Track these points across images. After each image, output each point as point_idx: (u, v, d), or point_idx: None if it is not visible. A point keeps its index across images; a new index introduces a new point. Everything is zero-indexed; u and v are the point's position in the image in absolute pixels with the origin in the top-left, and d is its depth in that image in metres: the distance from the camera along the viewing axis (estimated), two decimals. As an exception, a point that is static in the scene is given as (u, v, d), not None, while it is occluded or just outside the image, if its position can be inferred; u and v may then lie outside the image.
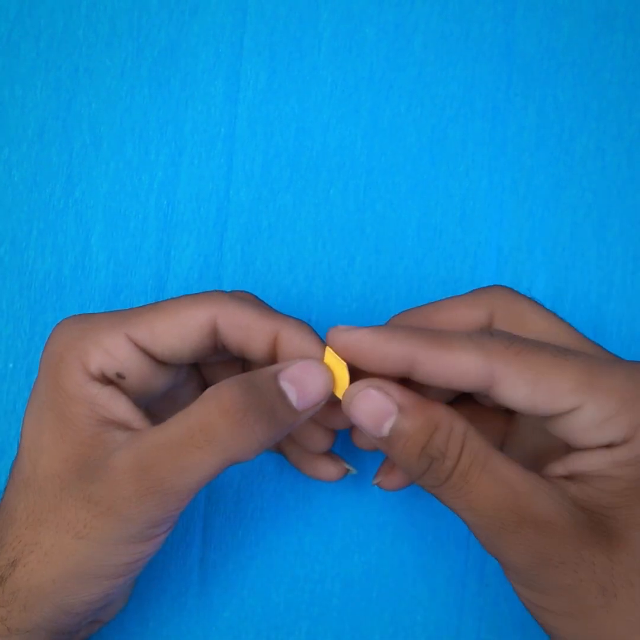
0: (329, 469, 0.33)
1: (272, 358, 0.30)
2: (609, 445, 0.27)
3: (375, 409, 0.27)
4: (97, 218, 0.37)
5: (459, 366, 0.27)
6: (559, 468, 0.28)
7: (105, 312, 0.30)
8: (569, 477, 0.28)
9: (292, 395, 0.28)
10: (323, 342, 0.29)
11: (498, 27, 0.38)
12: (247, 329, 0.29)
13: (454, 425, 0.27)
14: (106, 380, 0.29)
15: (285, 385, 0.28)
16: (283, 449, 0.34)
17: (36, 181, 0.37)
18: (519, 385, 0.27)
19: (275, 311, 0.30)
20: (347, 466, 0.33)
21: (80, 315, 0.30)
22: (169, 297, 0.34)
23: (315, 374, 0.28)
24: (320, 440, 0.32)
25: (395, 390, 0.27)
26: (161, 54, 0.38)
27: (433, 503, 0.37)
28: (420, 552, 0.37)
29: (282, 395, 0.27)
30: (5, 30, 0.38)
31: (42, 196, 0.37)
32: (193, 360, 0.30)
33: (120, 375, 0.29)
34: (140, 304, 0.36)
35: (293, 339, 0.29)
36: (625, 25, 0.38)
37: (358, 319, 0.37)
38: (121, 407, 0.28)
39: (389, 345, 0.27)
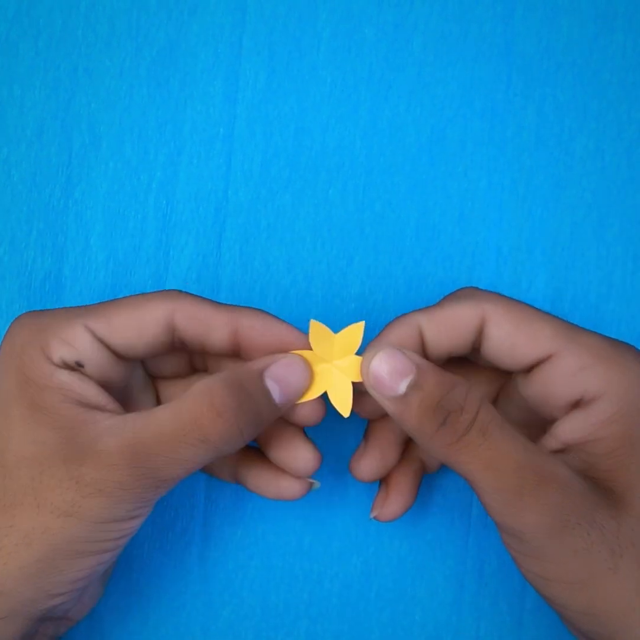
0: (293, 487, 0.33)
1: (235, 349, 0.31)
2: (582, 403, 0.28)
3: (394, 367, 0.28)
4: (97, 218, 0.37)
5: (456, 316, 0.29)
6: (551, 442, 0.29)
7: (63, 308, 0.31)
8: (563, 450, 0.29)
9: (276, 393, 0.29)
10: (284, 323, 0.30)
11: (497, 27, 0.38)
12: (205, 321, 0.30)
13: (471, 388, 0.28)
14: (69, 368, 0.29)
15: (270, 383, 0.29)
16: (239, 478, 0.34)
17: (35, 181, 0.37)
18: (503, 323, 0.29)
19: (232, 305, 0.31)
20: (311, 480, 0.33)
21: (37, 311, 0.31)
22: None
23: (298, 371, 0.29)
24: (304, 459, 0.32)
25: (413, 353, 0.29)
26: (160, 54, 0.38)
27: (432, 503, 0.37)
28: (419, 552, 0.37)
29: (266, 394, 0.29)
30: (3, 30, 0.38)
31: (41, 196, 0.37)
32: (149, 355, 0.31)
33: (79, 364, 0.29)
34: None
35: (255, 325, 0.30)
36: (625, 26, 0.38)
37: (356, 319, 0.37)
38: (91, 391, 0.29)
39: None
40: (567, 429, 0.29)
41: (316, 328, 0.30)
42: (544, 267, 0.37)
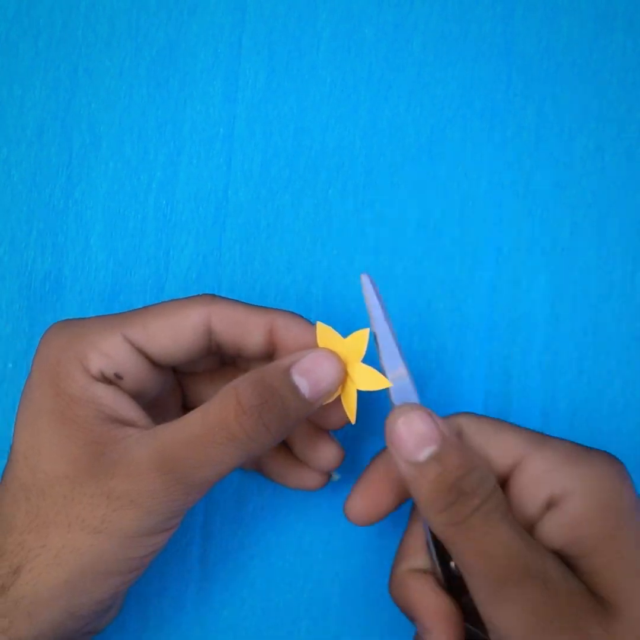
0: (315, 478, 0.33)
1: (269, 351, 0.30)
2: (552, 504, 0.28)
3: (421, 432, 0.28)
4: (97, 218, 0.37)
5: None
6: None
7: (96, 316, 0.30)
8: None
9: (304, 388, 0.28)
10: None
11: (497, 27, 0.38)
12: (241, 325, 0.30)
13: (489, 473, 0.28)
14: (107, 380, 0.29)
15: (297, 378, 0.28)
16: (262, 466, 0.34)
17: (35, 181, 0.37)
18: (476, 436, 0.29)
19: (266, 307, 0.31)
20: (331, 473, 0.33)
21: (69, 320, 0.30)
22: (167, 298, 0.34)
23: (326, 363, 0.29)
24: (328, 457, 0.32)
25: (443, 422, 0.28)
26: (160, 54, 0.38)
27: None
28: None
29: (294, 389, 0.28)
30: (3, 30, 0.38)
31: (41, 196, 0.37)
32: (186, 361, 0.31)
33: (118, 376, 0.29)
34: (139, 304, 0.37)
35: (290, 327, 0.30)
36: (625, 25, 0.38)
37: (356, 319, 0.37)
38: (125, 406, 0.29)
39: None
40: (543, 534, 0.28)
41: (324, 331, 0.30)
42: (544, 267, 0.37)
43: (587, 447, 0.29)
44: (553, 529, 0.28)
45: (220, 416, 0.27)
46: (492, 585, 0.27)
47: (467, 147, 0.38)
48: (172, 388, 0.33)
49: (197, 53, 0.38)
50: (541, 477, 0.28)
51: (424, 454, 0.27)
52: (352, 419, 0.30)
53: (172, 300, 0.30)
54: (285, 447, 0.34)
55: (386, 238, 0.37)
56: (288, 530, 0.37)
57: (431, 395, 0.37)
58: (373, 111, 0.38)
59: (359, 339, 0.29)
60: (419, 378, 0.37)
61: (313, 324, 0.30)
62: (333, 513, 0.37)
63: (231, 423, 0.27)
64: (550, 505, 0.28)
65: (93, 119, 0.38)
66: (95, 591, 0.27)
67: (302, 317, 0.30)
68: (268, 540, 0.37)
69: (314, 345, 0.30)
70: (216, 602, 0.37)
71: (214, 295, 0.30)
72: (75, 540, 0.27)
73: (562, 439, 0.29)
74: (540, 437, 0.29)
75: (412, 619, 0.31)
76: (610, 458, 0.28)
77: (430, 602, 0.30)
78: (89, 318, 0.30)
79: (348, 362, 0.30)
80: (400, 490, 0.31)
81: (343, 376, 0.29)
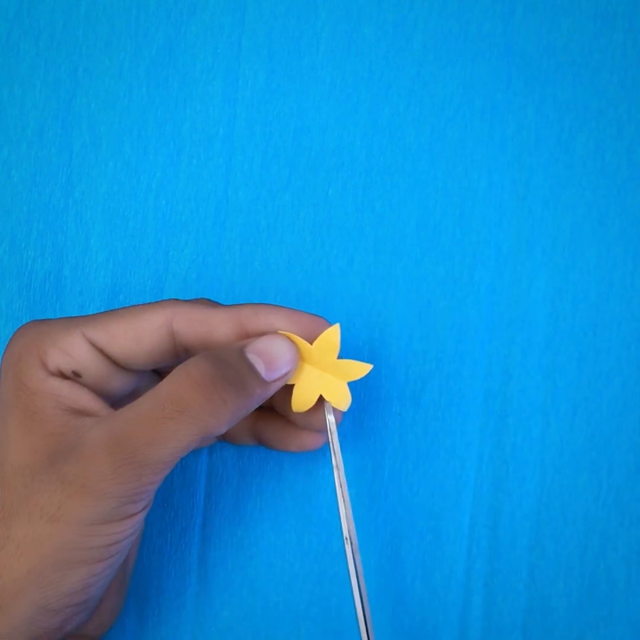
0: (316, 439, 0.34)
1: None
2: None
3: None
4: (97, 218, 0.37)
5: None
6: None
7: (64, 317, 0.31)
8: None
9: (260, 367, 0.29)
10: (286, 308, 0.31)
11: (497, 26, 0.38)
12: (205, 323, 0.30)
13: None
14: (64, 376, 0.29)
15: (252, 357, 0.29)
16: (260, 434, 0.34)
17: (36, 181, 0.37)
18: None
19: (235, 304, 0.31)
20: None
21: (38, 320, 0.31)
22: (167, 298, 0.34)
23: (280, 345, 0.30)
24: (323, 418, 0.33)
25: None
26: (160, 54, 0.38)
27: (433, 503, 0.37)
28: (419, 552, 0.37)
29: (250, 367, 0.29)
30: (4, 30, 0.38)
31: (41, 196, 0.37)
32: (151, 365, 0.31)
33: (76, 373, 0.29)
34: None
35: (259, 314, 0.30)
36: (625, 25, 0.38)
37: (356, 319, 0.37)
38: (84, 397, 0.29)
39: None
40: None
41: (290, 338, 0.30)
42: (544, 267, 0.37)
43: None
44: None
45: (170, 390, 0.27)
46: None
47: (467, 147, 0.38)
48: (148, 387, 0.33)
49: (197, 53, 0.38)
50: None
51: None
52: (344, 407, 0.31)
53: (136, 305, 0.31)
54: (279, 416, 0.34)
55: (385, 238, 0.37)
56: (288, 530, 0.37)
57: (431, 395, 0.37)
58: (373, 111, 0.38)
59: (331, 336, 0.30)
60: (419, 378, 0.37)
61: (283, 307, 0.31)
62: (333, 513, 0.37)
63: (183, 396, 0.27)
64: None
65: (93, 119, 0.38)
66: (62, 582, 0.27)
67: (271, 305, 0.31)
68: (268, 540, 0.37)
69: (287, 326, 0.30)
70: (216, 602, 0.37)
71: (176, 300, 0.31)
72: (35, 529, 0.27)
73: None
74: None
75: None
76: None
77: None
78: (56, 319, 0.31)
79: (325, 361, 0.31)
80: None
81: (297, 358, 0.30)
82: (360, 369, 0.31)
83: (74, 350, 0.29)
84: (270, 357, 0.29)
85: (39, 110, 0.38)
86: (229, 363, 0.28)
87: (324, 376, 0.31)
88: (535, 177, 0.38)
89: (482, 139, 0.38)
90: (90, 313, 0.37)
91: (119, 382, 0.31)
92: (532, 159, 0.38)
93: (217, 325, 0.30)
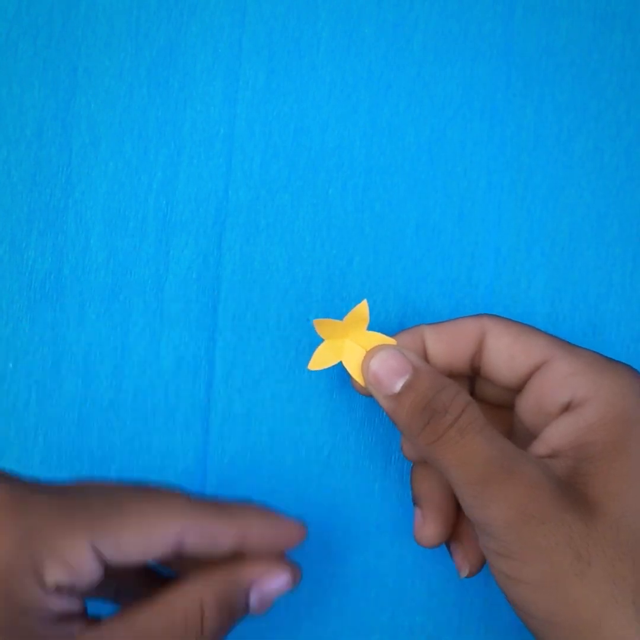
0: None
1: (234, 553, 0.30)
2: (571, 408, 0.29)
3: (392, 367, 0.30)
4: (97, 218, 0.37)
5: (457, 327, 0.31)
6: (541, 447, 0.30)
7: (57, 499, 0.27)
8: (551, 456, 0.29)
9: (254, 604, 0.30)
10: (288, 521, 0.30)
11: (497, 27, 0.38)
12: (214, 537, 0.29)
13: (460, 390, 0.29)
14: (61, 591, 0.26)
15: (254, 598, 0.29)
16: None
17: (35, 181, 0.37)
18: (502, 336, 0.30)
19: (232, 504, 0.30)
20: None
21: (24, 492, 0.26)
22: (167, 298, 0.34)
23: (280, 583, 0.30)
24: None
25: (413, 354, 0.30)
26: (160, 54, 0.38)
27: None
28: (419, 552, 0.37)
29: (248, 608, 0.30)
30: (3, 30, 0.38)
31: (41, 196, 0.37)
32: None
33: (74, 587, 0.26)
34: (139, 304, 0.37)
35: (264, 534, 0.30)
36: (624, 26, 0.38)
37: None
38: (75, 607, 0.27)
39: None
40: (555, 433, 0.29)
41: (320, 324, 0.32)
42: (543, 267, 0.37)
43: (611, 358, 0.30)
44: (565, 431, 0.29)
45: (180, 623, 0.27)
46: (475, 488, 0.28)
47: (467, 147, 0.38)
48: None
49: (197, 53, 0.38)
50: (563, 380, 0.29)
51: (398, 385, 0.29)
52: (361, 380, 0.32)
53: (145, 496, 0.28)
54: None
55: (385, 238, 0.38)
56: (288, 530, 0.37)
57: (431, 395, 0.37)
58: (372, 111, 0.38)
59: (361, 310, 0.32)
60: (419, 378, 0.37)
61: (283, 518, 0.30)
62: (332, 513, 0.37)
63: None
64: (568, 408, 0.29)
65: (93, 119, 0.38)
66: None
67: (271, 512, 0.30)
68: (268, 540, 0.37)
69: (283, 543, 0.30)
70: (216, 602, 0.37)
71: (186, 499, 0.29)
72: None
73: (587, 349, 0.30)
74: (566, 343, 0.30)
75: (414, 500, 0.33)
76: (633, 371, 0.29)
77: (435, 493, 0.32)
78: (48, 499, 0.26)
79: (353, 333, 0.32)
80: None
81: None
82: (384, 342, 0.32)
83: (76, 561, 0.25)
84: (266, 597, 0.30)
85: (38, 110, 0.38)
86: (235, 609, 0.29)
87: (345, 345, 0.32)
88: (534, 177, 0.38)
89: (481, 139, 0.38)
90: (91, 313, 0.37)
91: (107, 583, 0.28)
92: (531, 160, 0.38)
93: (224, 541, 0.29)
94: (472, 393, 0.34)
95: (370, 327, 0.32)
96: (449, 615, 0.37)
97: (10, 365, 0.37)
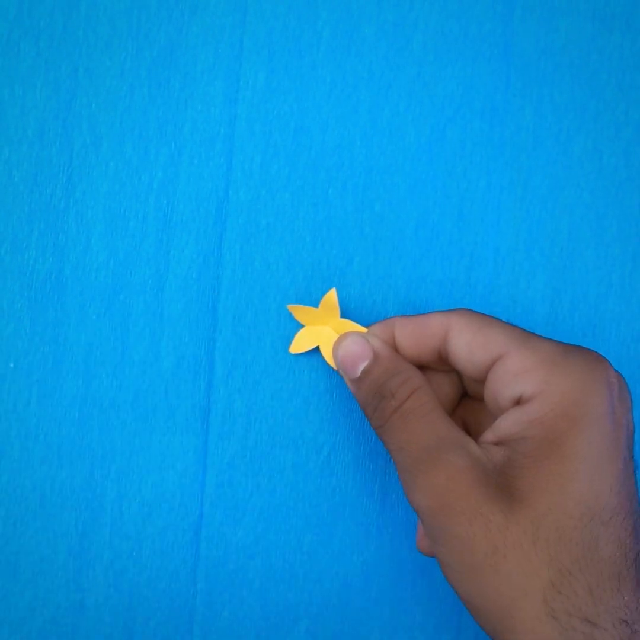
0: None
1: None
2: (520, 401, 0.29)
3: (355, 352, 0.32)
4: (97, 218, 0.37)
5: (424, 322, 0.32)
6: (489, 435, 0.30)
7: None
8: (498, 443, 0.30)
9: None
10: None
11: (497, 27, 0.38)
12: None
13: (411, 376, 0.31)
14: None
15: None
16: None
17: (36, 181, 0.38)
18: (464, 331, 0.31)
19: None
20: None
21: None
22: (167, 298, 0.34)
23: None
24: None
25: (377, 340, 0.33)
26: (161, 54, 0.38)
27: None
28: (418, 551, 0.37)
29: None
30: (4, 30, 0.38)
31: (42, 196, 0.37)
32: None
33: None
34: (139, 304, 0.37)
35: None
36: (623, 26, 0.38)
37: (355, 319, 0.37)
38: None
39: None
40: (502, 424, 0.30)
41: (295, 310, 0.36)
42: (542, 268, 0.38)
43: (571, 346, 0.30)
44: (510, 423, 0.29)
45: None
46: (407, 477, 0.29)
47: (466, 147, 0.38)
48: None
49: (198, 53, 0.38)
50: (513, 378, 0.30)
51: (359, 369, 0.32)
52: (335, 366, 0.34)
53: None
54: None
55: (385, 238, 0.38)
56: (288, 530, 0.37)
57: (431, 395, 0.37)
58: (373, 111, 0.38)
59: (330, 298, 0.34)
60: (419, 377, 0.37)
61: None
62: (332, 513, 0.37)
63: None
64: (519, 402, 0.30)
65: (94, 119, 0.38)
66: None
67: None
68: (268, 540, 0.37)
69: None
70: (216, 602, 0.37)
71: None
72: None
73: (547, 339, 0.30)
74: (525, 335, 0.31)
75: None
76: (593, 364, 0.29)
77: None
78: None
79: (329, 319, 0.35)
80: None
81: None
82: (355, 329, 0.34)
83: None
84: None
85: (40, 110, 0.38)
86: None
87: (324, 331, 0.35)
88: (533, 177, 0.38)
89: (481, 139, 0.38)
90: (91, 312, 0.37)
91: None
92: (530, 160, 0.38)
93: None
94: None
95: (366, 323, 0.34)
96: (449, 615, 0.37)
97: (11, 365, 0.37)
